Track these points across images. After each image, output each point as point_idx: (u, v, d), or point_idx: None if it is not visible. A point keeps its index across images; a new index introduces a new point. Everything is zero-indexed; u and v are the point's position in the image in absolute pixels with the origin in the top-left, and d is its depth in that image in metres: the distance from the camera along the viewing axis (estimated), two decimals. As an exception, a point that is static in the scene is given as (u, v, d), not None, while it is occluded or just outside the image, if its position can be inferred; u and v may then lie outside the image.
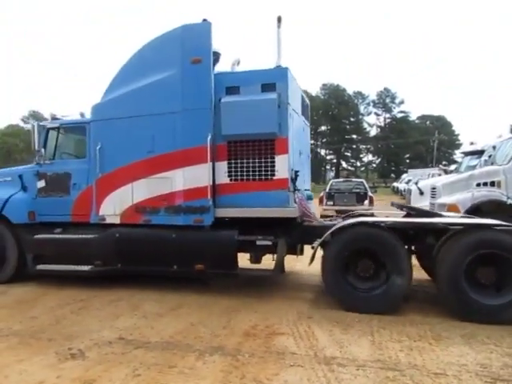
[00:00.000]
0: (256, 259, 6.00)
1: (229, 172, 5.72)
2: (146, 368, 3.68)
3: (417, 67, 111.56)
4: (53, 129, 6.85)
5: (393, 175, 63.77)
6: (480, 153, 11.77)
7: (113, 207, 6.24)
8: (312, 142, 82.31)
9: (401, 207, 7.77)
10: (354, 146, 76.06)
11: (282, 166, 5.54)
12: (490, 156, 10.06)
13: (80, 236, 6.37)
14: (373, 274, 5.18)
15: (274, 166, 5.56)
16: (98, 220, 6.34)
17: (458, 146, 64.88)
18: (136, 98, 6.08)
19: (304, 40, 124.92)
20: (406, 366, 3.64)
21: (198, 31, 5.73)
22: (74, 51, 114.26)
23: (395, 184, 41.71)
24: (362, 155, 79.83)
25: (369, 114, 77.70)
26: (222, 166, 5.74)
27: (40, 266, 6.53)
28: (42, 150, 6.69)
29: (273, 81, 5.58)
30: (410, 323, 4.71)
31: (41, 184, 6.76)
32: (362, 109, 76.74)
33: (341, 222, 5.45)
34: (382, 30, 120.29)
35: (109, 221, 6.27)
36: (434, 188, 9.92)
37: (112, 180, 6.23)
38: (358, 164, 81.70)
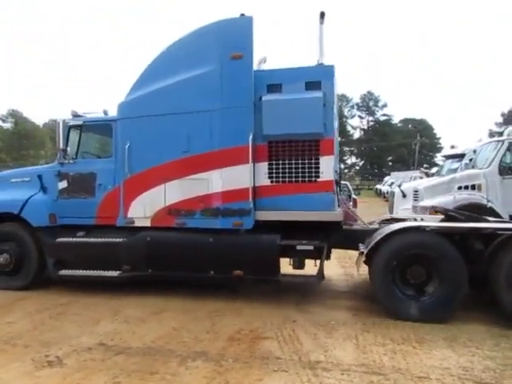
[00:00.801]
0: (299, 265, 5.68)
1: (269, 173, 5.50)
2: (127, 375, 3.58)
3: (412, 68, 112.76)
4: (75, 127, 6.43)
5: (371, 178, 64.52)
6: (461, 156, 12.02)
7: (143, 209, 5.90)
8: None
9: (445, 211, 6.98)
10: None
11: (327, 168, 5.35)
12: (470, 160, 10.26)
13: (107, 240, 5.99)
14: (425, 280, 4.93)
15: (318, 168, 5.36)
16: (126, 223, 5.98)
17: (439, 149, 65.96)
18: (169, 95, 5.79)
19: (289, 39, 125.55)
20: (390, 370, 3.64)
21: (238, 26, 5.49)
22: (74, 51, 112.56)
23: (378, 186, 42.20)
24: (345, 157, 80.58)
25: (352, 116, 78.37)
26: (263, 167, 5.50)
27: (63, 272, 6.12)
28: (68, 148, 6.28)
29: (318, 79, 5.37)
30: (394, 326, 4.73)
31: (62, 185, 6.34)
32: (345, 111, 77.41)
33: (388, 228, 5.16)
34: (377, 31, 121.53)
35: (138, 224, 5.92)
36: (416, 191, 10.06)
37: (142, 181, 5.90)
38: (342, 166, 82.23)
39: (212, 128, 5.56)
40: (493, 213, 7.67)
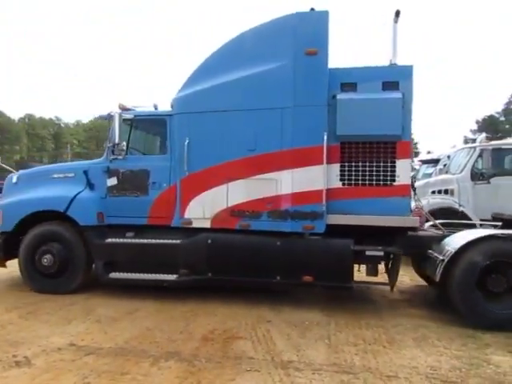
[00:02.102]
0: (373, 271, 5.49)
1: (341, 175, 5.28)
2: (97, 375, 3.53)
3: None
4: (125, 121, 5.92)
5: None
6: (436, 161, 12.33)
7: (202, 210, 5.57)
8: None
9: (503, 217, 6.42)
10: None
11: (404, 172, 5.19)
12: (444, 165, 10.54)
13: (164, 241, 5.65)
14: (506, 289, 4.79)
15: (394, 171, 5.17)
16: (183, 223, 5.64)
17: (417, 154, 67.32)
18: (235, 90, 5.47)
19: (195, 27, 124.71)
20: (360, 369, 3.71)
21: (314, 20, 5.24)
22: (74, 51, 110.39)
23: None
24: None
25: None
26: (334, 169, 5.26)
27: (114, 275, 5.73)
28: (123, 143, 5.80)
29: (396, 79, 5.21)
30: (366, 327, 4.81)
31: (112, 182, 5.92)
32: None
33: (463, 236, 5.02)
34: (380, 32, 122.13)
35: (196, 225, 5.60)
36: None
37: (202, 179, 5.57)
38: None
39: (283, 126, 5.29)
40: (465, 217, 7.90)
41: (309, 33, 5.25)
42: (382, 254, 5.25)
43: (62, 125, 77.99)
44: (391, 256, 5.48)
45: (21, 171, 6.91)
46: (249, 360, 3.86)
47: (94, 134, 78.13)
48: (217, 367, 3.71)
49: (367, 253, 5.22)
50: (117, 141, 5.68)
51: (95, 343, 4.21)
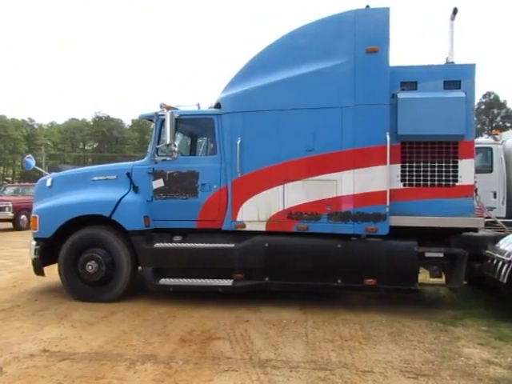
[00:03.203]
0: (438, 273, 5.34)
1: (402, 176, 5.16)
2: (71, 381, 3.45)
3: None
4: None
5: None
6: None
7: (256, 212, 5.37)
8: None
9: None
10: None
11: (467, 172, 5.08)
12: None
13: (217, 245, 5.42)
14: None
15: (456, 171, 5.08)
16: (235, 227, 5.44)
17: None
18: (291, 89, 5.30)
19: (196, 28, 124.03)
20: (336, 366, 3.76)
21: (374, 17, 5.12)
22: (45, 51, 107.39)
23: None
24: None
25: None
26: (395, 170, 5.14)
27: (164, 281, 5.46)
28: (175, 143, 5.51)
29: (458, 78, 5.13)
30: (343, 323, 4.89)
31: (158, 184, 5.65)
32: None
33: None
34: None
35: (250, 228, 5.40)
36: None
37: (256, 181, 5.38)
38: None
39: (343, 126, 5.15)
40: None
41: (369, 30, 5.14)
42: (441, 255, 5.18)
43: (36, 126, 75.95)
44: (450, 257, 5.28)
45: (54, 174, 6.47)
46: (227, 360, 3.86)
47: (70, 136, 76.49)
48: (194, 368, 3.69)
49: (427, 254, 5.15)
50: (168, 141, 5.36)
51: (69, 348, 4.12)
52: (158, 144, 5.67)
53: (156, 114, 5.70)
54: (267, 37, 5.72)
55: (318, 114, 5.24)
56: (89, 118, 79.11)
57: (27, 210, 17.41)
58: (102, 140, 78.03)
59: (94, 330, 4.65)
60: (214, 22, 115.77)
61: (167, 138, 5.35)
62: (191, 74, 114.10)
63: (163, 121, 5.55)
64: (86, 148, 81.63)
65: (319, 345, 4.24)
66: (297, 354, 4.00)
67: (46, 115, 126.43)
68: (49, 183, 6.10)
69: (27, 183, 20.97)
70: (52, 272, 6.03)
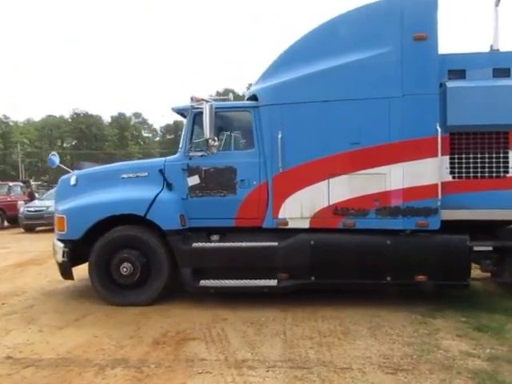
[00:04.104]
0: (490, 267, 5.16)
1: (451, 168, 4.97)
2: (34, 390, 3.26)
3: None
4: (200, 114, 5.25)
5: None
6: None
7: (299, 209, 5.15)
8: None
9: None
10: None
11: None
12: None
13: (260, 244, 5.17)
14: None
15: (507, 162, 4.91)
16: (277, 224, 5.20)
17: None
18: (335, 79, 5.06)
19: (196, 28, 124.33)
20: (314, 364, 3.66)
21: (423, 3, 4.92)
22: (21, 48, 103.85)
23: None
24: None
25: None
26: (444, 162, 4.93)
27: (204, 282, 5.19)
28: (214, 138, 5.14)
29: (507, 65, 4.96)
30: (322, 319, 4.80)
31: (193, 181, 5.36)
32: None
33: None
34: None
35: (293, 225, 5.18)
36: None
37: (298, 176, 5.14)
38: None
39: (391, 117, 4.94)
40: None
41: (417, 17, 4.94)
42: (490, 249, 5.05)
43: (11, 123, 73.76)
44: (500, 251, 5.15)
45: (78, 172, 6.05)
46: (201, 362, 3.71)
47: (47, 133, 74.56)
48: (167, 372, 3.54)
49: (476, 248, 5.00)
50: (208, 135, 5.00)
51: (35, 355, 3.91)
52: (192, 139, 5.40)
53: (192, 106, 5.37)
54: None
55: (363, 106, 5.03)
56: (66, 114, 77.37)
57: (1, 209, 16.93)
58: (80, 137, 76.31)
59: (62, 334, 4.44)
60: (214, 22, 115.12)
61: (206, 132, 5.00)
62: (191, 74, 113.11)
63: (196, 114, 5.35)
64: (65, 145, 79.79)
65: (297, 342, 4.13)
66: (274, 353, 3.88)
67: (22, 112, 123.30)
68: (73, 182, 5.69)
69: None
70: (23, 274, 5.77)
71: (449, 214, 4.97)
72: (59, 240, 5.52)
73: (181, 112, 5.85)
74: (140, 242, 5.33)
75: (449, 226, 4.99)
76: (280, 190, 5.20)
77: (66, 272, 5.55)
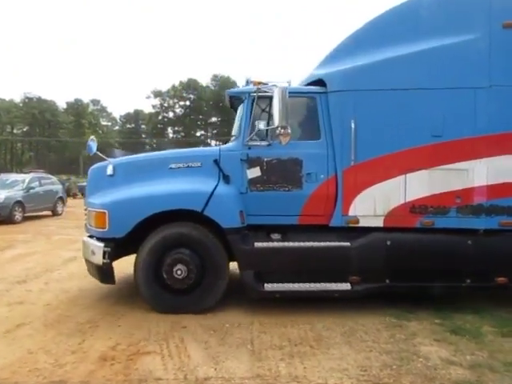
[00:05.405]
0: None
1: None
2: None
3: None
4: (263, 98, 4.84)
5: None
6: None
7: (372, 206, 4.73)
8: (202, 132, 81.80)
9: None
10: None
11: None
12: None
13: (332, 244, 4.69)
14: None
15: None
16: (347, 222, 4.76)
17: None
18: (414, 66, 4.69)
19: (197, 28, 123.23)
20: (286, 379, 3.25)
21: None
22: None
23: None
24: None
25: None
26: None
27: (270, 286, 4.61)
28: (287, 125, 4.42)
29: None
30: (292, 324, 4.40)
31: (254, 173, 4.80)
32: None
33: None
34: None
35: (364, 223, 4.75)
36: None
37: (372, 170, 4.72)
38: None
39: (477, 109, 4.61)
40: None
41: (508, 3, 4.68)
42: None
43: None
44: None
45: (114, 160, 5.20)
46: (156, 382, 3.20)
47: None
48: (114, 396, 3.00)
49: None
50: (277, 123, 4.39)
51: (-49, 379, 3.23)
52: (252, 126, 4.83)
53: (258, 89, 4.82)
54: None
55: (446, 95, 4.69)
56: (17, 98, 72.66)
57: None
58: (32, 123, 72.09)
59: (-11, 350, 3.75)
60: (214, 22, 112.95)
61: (276, 118, 4.41)
62: (191, 73, 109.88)
63: (254, 99, 4.86)
64: (15, 131, 75.15)
65: (266, 353, 3.70)
66: (241, 368, 3.43)
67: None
68: (110, 171, 4.95)
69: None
70: None
71: None
72: (97, 239, 4.78)
73: (237, 96, 5.26)
74: (196, 241, 4.70)
75: None
76: (351, 184, 4.80)
77: (107, 275, 4.77)
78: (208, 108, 75.93)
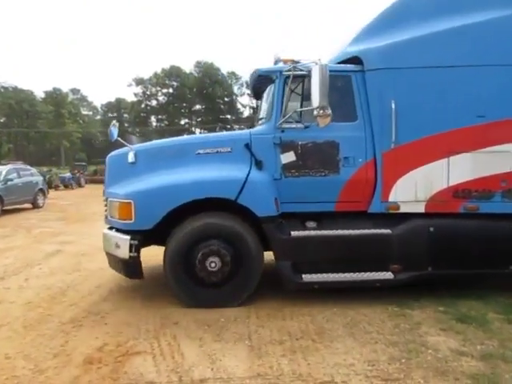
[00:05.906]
0: None
1: None
2: None
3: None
4: (296, 77, 4.47)
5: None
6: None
7: (413, 191, 4.51)
8: (187, 120, 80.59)
9: None
10: (229, 126, 76.58)
11: None
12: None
13: (373, 231, 4.48)
14: None
15: None
16: (387, 208, 4.55)
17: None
18: (459, 41, 4.41)
19: (181, 15, 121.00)
20: (290, 378, 3.01)
21: None
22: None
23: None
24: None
25: (242, 94, 78.77)
26: None
27: (308, 277, 4.38)
28: (327, 106, 4.08)
29: None
30: (291, 316, 4.17)
31: (288, 157, 4.52)
32: (235, 89, 77.35)
33: None
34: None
35: (405, 209, 4.54)
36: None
37: (413, 153, 4.47)
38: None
39: None
40: None
41: None
42: None
43: None
44: None
45: (136, 147, 4.84)
46: (148, 386, 2.92)
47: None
48: (102, 405, 2.71)
49: None
50: (317, 103, 4.05)
51: None
52: (285, 107, 4.51)
53: (294, 67, 4.49)
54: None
55: (492, 73, 4.44)
56: (-9, 89, 70.05)
57: None
58: (9, 114, 69.76)
59: (-39, 356, 3.41)
60: (214, 22, 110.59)
61: (316, 98, 4.09)
62: (174, 61, 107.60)
63: (287, 78, 4.51)
64: (-8, 123, 72.66)
65: (266, 349, 3.46)
66: (240, 366, 3.17)
67: None
68: (131, 159, 4.60)
69: None
70: None
71: None
72: (120, 230, 4.47)
73: (267, 75, 4.87)
74: (230, 232, 4.41)
75: None
76: (391, 169, 4.56)
77: (134, 270, 4.46)
78: (192, 95, 74.46)
